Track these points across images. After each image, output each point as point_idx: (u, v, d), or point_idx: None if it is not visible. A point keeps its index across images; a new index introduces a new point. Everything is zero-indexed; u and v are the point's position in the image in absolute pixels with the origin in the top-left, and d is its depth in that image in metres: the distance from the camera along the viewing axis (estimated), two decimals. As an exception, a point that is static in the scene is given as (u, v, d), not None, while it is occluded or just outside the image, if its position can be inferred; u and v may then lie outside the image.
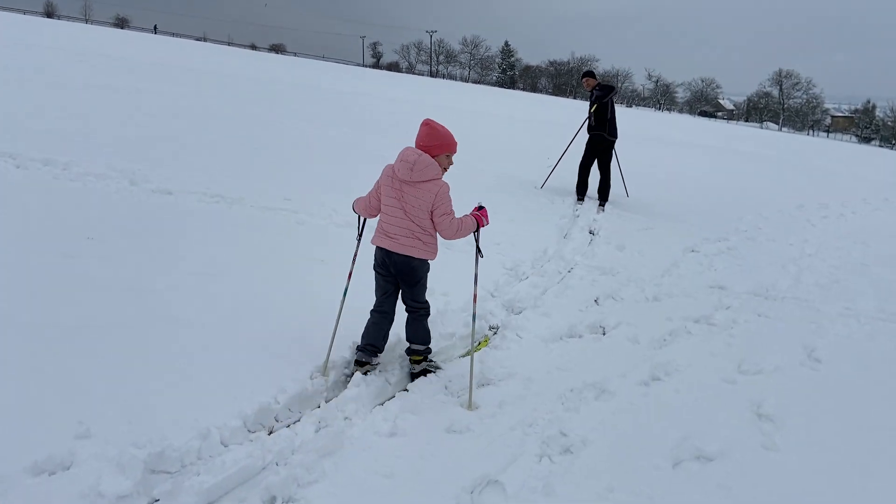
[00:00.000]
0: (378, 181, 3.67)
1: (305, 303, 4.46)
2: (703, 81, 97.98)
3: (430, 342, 3.90)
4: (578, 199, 9.58)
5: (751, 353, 4.64)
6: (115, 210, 5.90)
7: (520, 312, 5.13)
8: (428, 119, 3.63)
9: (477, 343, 4.48)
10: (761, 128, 69.63)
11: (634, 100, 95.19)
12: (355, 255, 3.94)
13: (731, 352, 4.69)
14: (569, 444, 3.30)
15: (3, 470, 2.52)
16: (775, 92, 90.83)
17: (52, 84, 12.86)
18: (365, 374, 3.69)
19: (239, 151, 9.40)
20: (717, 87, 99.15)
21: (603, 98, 9.25)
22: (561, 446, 3.28)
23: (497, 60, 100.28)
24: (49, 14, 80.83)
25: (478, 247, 3.84)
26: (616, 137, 9.44)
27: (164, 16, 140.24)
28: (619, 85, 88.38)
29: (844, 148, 43.48)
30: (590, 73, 9.78)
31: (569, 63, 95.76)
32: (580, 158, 9.64)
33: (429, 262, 3.72)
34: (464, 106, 25.24)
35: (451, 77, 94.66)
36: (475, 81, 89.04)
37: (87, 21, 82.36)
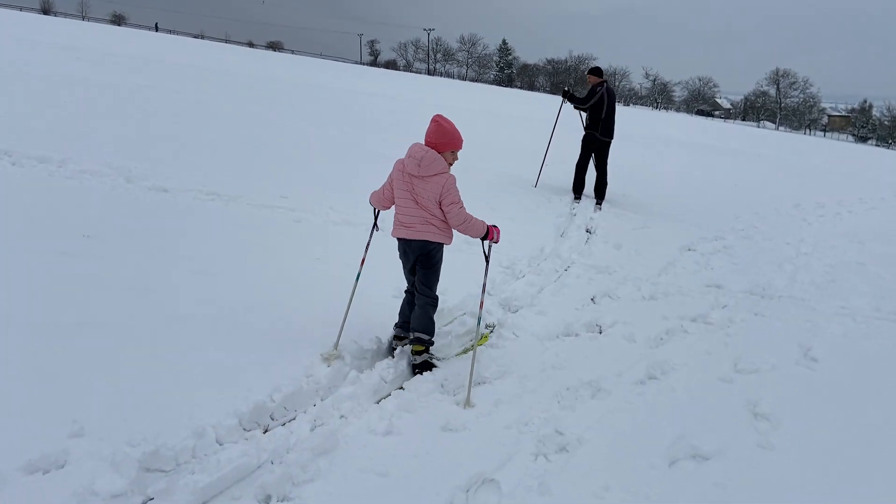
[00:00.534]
0: (390, 175, 3.89)
1: (301, 301, 4.45)
2: (700, 80, 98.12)
3: (433, 335, 4.02)
4: (575, 198, 9.58)
5: (747, 351, 4.65)
6: (111, 208, 5.88)
7: (516, 311, 5.12)
8: (437, 116, 3.81)
9: (484, 334, 4.53)
10: (758, 127, 69.71)
11: (632, 98, 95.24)
12: (368, 244, 4.14)
13: (727, 351, 4.69)
14: (565, 442, 3.30)
15: (-4, 469, 2.51)
16: (772, 91, 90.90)
17: (49, 81, 12.82)
18: (404, 346, 4.03)
19: (238, 150, 9.39)
20: (715, 85, 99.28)
21: (581, 105, 9.30)
22: (557, 445, 3.28)
23: (495, 59, 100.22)
24: (46, 10, 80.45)
25: (486, 255, 3.96)
26: (611, 137, 9.42)
27: (161, 13, 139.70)
28: (616, 84, 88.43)
29: (841, 147, 43.55)
30: (591, 71, 9.64)
31: (566, 62, 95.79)
32: (577, 158, 9.66)
33: (444, 246, 3.94)
34: (462, 104, 25.22)
35: (449, 75, 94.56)
36: (473, 79, 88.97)
37: (83, 18, 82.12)
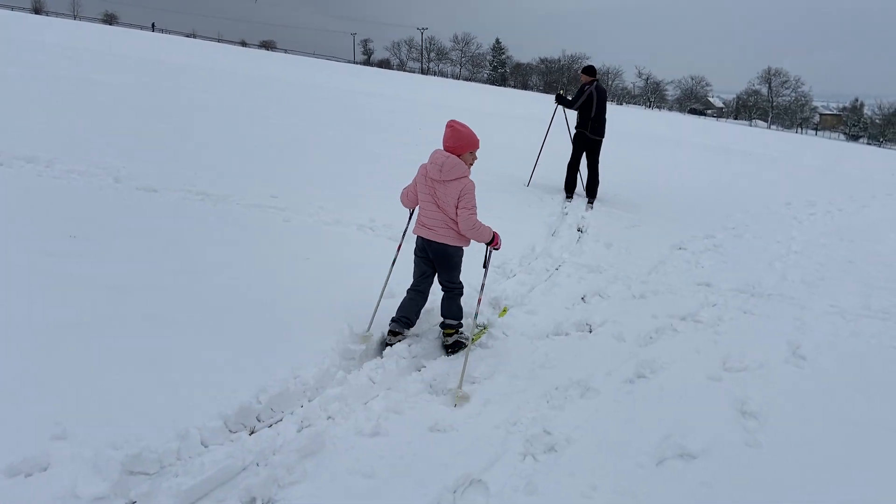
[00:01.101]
0: (415, 178, 4.12)
1: (288, 301, 4.42)
2: (692, 79, 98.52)
3: (462, 318, 4.30)
4: (567, 197, 9.59)
5: (736, 350, 4.66)
6: (98, 208, 5.83)
7: (507, 310, 5.10)
8: (452, 121, 3.99)
9: (478, 331, 4.55)
10: (750, 125, 70.00)
11: (625, 97, 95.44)
12: (405, 232, 4.38)
13: (716, 349, 4.70)
14: (553, 442, 3.29)
15: (-24, 472, 2.48)
16: (764, 90, 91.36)
17: (38, 81, 12.73)
18: (397, 342, 4.16)
19: (230, 150, 9.33)
20: (707, 84, 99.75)
21: (569, 107, 9.33)
22: (545, 445, 3.27)
23: (488, 58, 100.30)
24: (37, 10, 79.97)
25: (486, 260, 4.19)
26: (602, 136, 9.43)
27: (153, 12, 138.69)
28: (608, 83, 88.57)
29: (832, 146, 43.75)
30: (584, 70, 9.65)
31: (559, 61, 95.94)
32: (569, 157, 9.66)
33: (463, 248, 4.15)
34: (457, 103, 25.20)
35: (443, 74, 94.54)
36: (466, 79, 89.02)
37: (75, 17, 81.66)
